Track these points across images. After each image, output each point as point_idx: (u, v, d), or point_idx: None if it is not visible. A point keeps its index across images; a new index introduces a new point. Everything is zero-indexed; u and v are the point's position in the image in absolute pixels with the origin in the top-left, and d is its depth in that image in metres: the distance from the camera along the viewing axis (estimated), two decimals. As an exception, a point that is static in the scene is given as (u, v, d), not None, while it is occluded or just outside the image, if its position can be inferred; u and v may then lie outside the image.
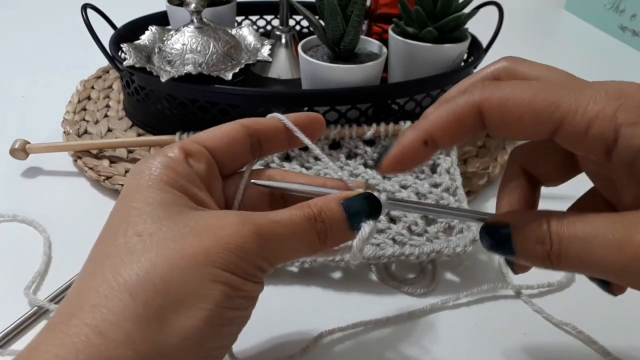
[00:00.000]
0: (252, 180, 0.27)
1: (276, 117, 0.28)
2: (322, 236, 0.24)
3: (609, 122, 0.20)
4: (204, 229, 0.22)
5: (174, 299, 0.21)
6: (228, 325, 0.23)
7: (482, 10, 0.54)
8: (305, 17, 0.50)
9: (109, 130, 0.55)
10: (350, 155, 0.46)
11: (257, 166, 0.28)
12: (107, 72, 0.67)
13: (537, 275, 0.39)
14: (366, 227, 0.24)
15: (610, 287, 0.25)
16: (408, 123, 0.45)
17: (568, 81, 0.24)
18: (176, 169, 0.24)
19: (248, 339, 0.34)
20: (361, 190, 0.25)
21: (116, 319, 0.20)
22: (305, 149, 0.44)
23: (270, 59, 0.55)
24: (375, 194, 0.25)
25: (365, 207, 0.25)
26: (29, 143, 0.49)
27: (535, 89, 0.22)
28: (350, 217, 0.24)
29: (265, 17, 0.74)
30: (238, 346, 0.33)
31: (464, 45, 0.53)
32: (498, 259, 0.41)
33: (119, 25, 0.59)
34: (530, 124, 0.22)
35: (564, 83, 0.23)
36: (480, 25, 0.58)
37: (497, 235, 0.24)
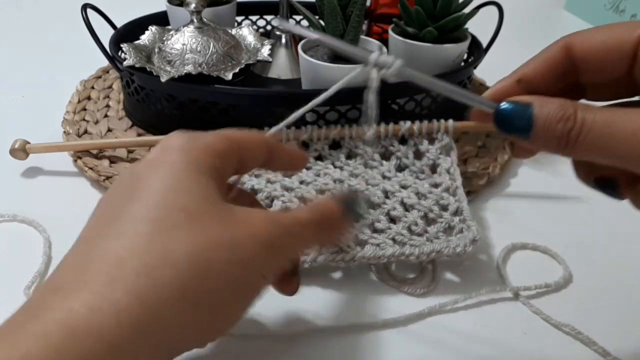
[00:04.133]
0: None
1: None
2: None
3: None
4: (244, 224, 0.24)
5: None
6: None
7: (482, 10, 0.54)
8: (305, 17, 0.50)
9: (109, 130, 0.55)
10: (350, 155, 0.46)
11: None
12: (107, 72, 0.67)
13: (535, 277, 0.39)
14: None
15: (618, 190, 0.26)
16: (408, 123, 0.45)
17: None
18: (224, 160, 0.26)
19: (248, 338, 0.34)
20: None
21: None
22: (305, 148, 0.45)
23: (270, 59, 0.55)
24: (390, 59, 0.29)
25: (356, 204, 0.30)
26: (29, 143, 0.49)
27: (615, 24, 0.25)
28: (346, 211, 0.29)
29: (265, 17, 0.74)
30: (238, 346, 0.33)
31: (464, 45, 0.53)
32: (497, 259, 0.41)
33: (119, 25, 0.59)
34: (615, 46, 0.24)
35: None
36: (480, 25, 0.57)
37: (517, 108, 0.25)
